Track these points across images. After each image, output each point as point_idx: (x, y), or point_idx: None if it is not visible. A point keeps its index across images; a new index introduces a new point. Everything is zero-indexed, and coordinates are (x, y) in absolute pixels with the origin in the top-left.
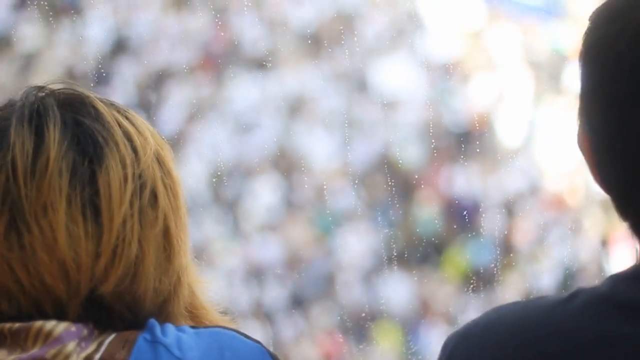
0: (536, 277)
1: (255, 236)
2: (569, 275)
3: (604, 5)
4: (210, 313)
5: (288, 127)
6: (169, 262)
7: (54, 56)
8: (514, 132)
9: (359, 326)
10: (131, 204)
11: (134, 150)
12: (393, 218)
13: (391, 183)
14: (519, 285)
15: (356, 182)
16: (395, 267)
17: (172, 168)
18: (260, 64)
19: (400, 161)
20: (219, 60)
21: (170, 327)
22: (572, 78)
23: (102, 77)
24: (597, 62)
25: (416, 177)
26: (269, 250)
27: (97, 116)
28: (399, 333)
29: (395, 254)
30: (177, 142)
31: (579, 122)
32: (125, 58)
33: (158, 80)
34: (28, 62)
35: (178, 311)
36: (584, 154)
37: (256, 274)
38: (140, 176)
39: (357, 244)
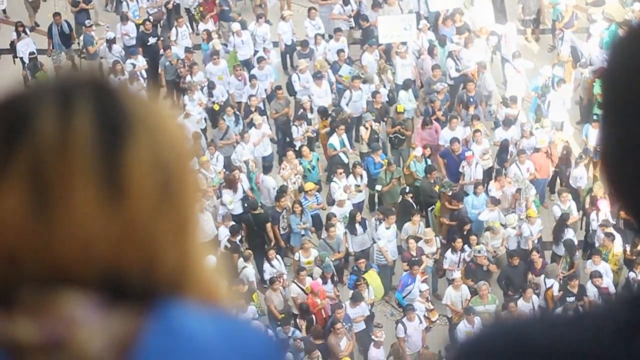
0: (522, 229)
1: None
2: (555, 227)
3: (632, 29)
4: (218, 288)
5: (286, 71)
6: (184, 240)
7: None
8: (507, 86)
9: (343, 269)
10: (152, 186)
11: (158, 138)
12: (384, 165)
13: (385, 130)
14: (503, 236)
15: (350, 128)
16: (383, 214)
17: (190, 155)
18: (261, 9)
19: (396, 109)
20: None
21: (184, 309)
22: (566, 41)
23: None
24: (624, 78)
25: (410, 125)
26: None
27: (126, 102)
28: (383, 278)
29: (383, 200)
30: (178, 81)
31: (601, 135)
32: None
33: (163, 17)
34: None
35: (190, 286)
36: (603, 167)
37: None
38: (161, 161)
39: (346, 190)
